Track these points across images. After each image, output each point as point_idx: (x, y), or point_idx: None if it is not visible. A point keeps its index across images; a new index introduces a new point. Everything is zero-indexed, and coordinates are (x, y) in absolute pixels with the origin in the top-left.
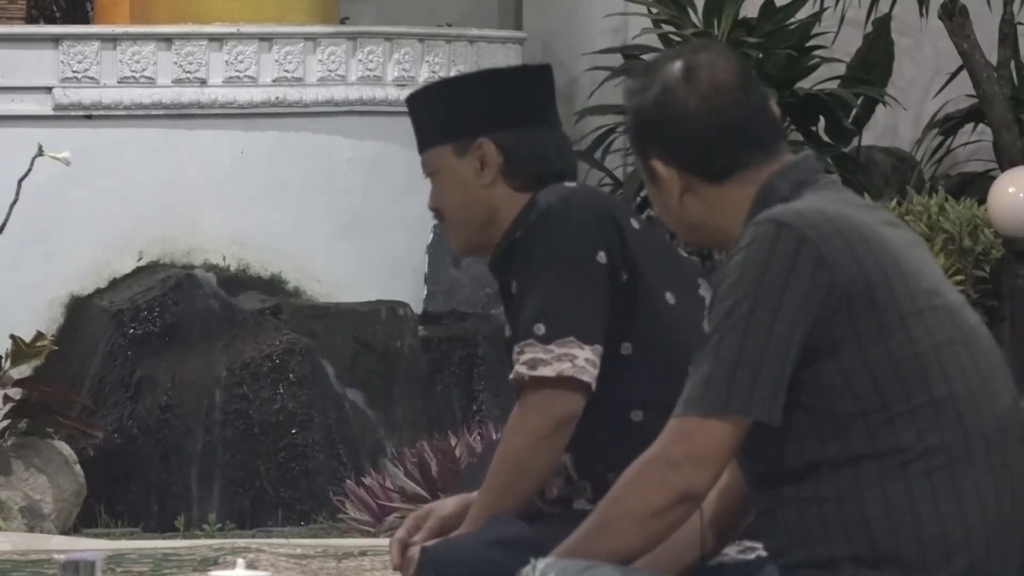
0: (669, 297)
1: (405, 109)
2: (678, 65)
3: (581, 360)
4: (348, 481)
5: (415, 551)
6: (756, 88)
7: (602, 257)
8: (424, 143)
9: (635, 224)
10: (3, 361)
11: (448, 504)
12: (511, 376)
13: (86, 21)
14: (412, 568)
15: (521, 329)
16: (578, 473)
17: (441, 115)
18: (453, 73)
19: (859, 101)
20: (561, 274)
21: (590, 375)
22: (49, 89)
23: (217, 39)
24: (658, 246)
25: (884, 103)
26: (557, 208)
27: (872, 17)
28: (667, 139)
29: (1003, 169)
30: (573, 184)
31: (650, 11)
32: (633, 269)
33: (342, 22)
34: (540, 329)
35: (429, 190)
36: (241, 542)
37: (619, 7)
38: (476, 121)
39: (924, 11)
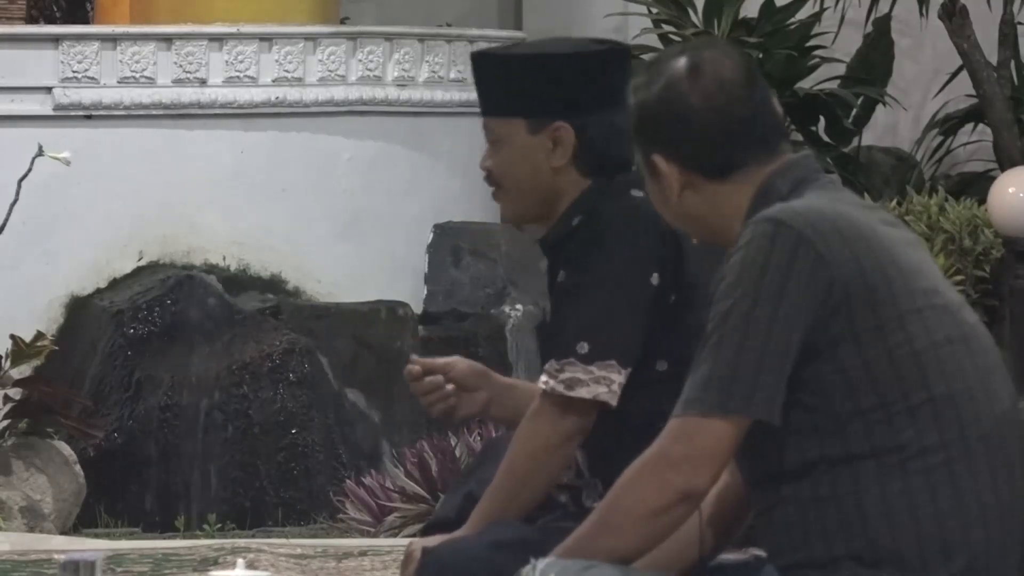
0: None
1: (405, 109)
2: (683, 61)
3: (616, 385)
4: (348, 481)
5: (416, 550)
6: (760, 86)
7: (655, 279)
8: (493, 109)
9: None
10: (3, 361)
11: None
12: (542, 384)
13: (86, 21)
14: (412, 568)
15: (562, 341)
16: (590, 472)
17: (518, 88)
18: (453, 73)
19: (859, 101)
20: (612, 292)
21: (616, 398)
22: (49, 89)
23: (217, 39)
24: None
25: (884, 103)
26: (623, 220)
27: (872, 17)
28: (669, 135)
29: (1003, 169)
30: (643, 194)
31: (650, 11)
32: (683, 289)
33: (342, 22)
34: (583, 348)
35: (483, 151)
36: (241, 542)
37: (619, 7)
38: (556, 102)
39: (924, 11)
